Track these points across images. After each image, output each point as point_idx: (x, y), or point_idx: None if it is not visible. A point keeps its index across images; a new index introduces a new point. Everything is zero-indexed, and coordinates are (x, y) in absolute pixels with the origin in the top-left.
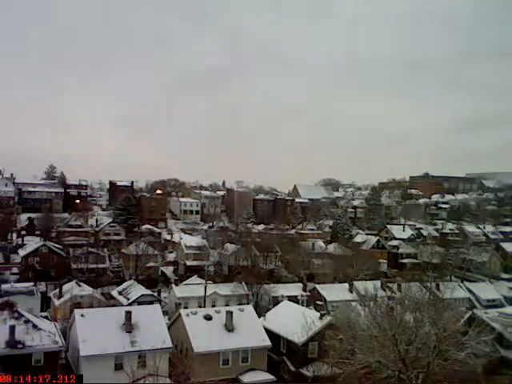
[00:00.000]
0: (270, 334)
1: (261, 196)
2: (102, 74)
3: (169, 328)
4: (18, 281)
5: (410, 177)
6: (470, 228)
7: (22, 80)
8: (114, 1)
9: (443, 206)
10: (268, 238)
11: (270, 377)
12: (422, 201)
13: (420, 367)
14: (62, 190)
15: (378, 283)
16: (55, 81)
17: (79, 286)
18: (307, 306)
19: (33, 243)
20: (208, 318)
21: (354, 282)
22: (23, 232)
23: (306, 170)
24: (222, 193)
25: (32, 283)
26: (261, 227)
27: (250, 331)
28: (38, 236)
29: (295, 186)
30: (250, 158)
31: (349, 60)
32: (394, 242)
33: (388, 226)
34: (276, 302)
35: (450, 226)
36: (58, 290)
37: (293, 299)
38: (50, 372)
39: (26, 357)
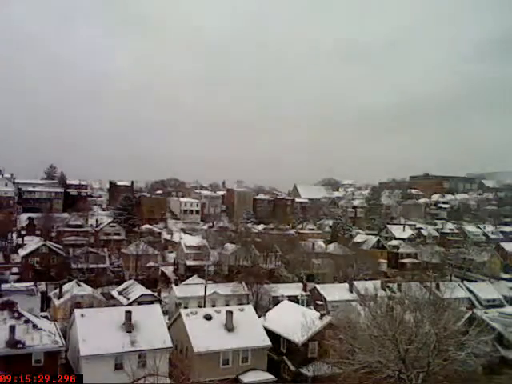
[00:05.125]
0: (270, 333)
1: (261, 196)
2: None
3: (169, 328)
4: (18, 281)
5: (410, 177)
6: (470, 228)
7: None
8: None
9: (443, 205)
10: (268, 237)
11: (270, 377)
12: (421, 201)
13: (420, 367)
14: (62, 190)
15: (378, 283)
16: None
17: (79, 285)
18: (307, 305)
19: (33, 243)
20: (208, 317)
21: (354, 282)
22: (23, 232)
23: (305, 170)
24: (222, 193)
25: (32, 283)
26: (261, 227)
27: (250, 331)
28: (38, 236)
29: (295, 185)
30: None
31: None
32: (394, 242)
33: (388, 226)
34: (276, 301)
35: (450, 225)
36: (57, 289)
37: (293, 299)
38: (50, 372)
39: (26, 357)
